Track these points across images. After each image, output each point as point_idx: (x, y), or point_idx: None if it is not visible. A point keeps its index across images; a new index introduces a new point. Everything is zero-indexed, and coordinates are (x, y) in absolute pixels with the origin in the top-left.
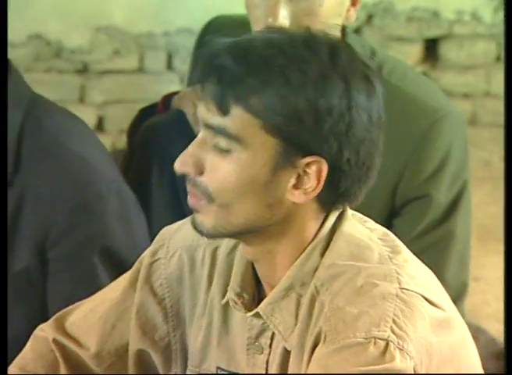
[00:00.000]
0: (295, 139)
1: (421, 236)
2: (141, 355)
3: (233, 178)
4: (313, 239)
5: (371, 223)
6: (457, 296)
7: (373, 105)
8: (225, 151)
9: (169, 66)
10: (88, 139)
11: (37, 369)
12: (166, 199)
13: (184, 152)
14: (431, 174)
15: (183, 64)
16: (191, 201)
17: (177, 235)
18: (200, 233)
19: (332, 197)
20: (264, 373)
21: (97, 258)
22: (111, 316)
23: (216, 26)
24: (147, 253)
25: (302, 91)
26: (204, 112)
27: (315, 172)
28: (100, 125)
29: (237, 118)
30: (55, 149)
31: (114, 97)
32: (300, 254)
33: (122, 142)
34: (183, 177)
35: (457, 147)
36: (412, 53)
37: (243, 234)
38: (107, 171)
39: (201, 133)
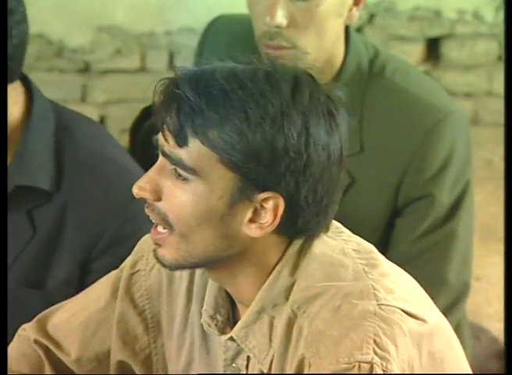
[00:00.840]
0: (252, 175)
1: (423, 236)
2: (122, 366)
3: (190, 208)
4: (279, 260)
5: (346, 233)
6: (459, 296)
7: (333, 143)
8: (182, 180)
9: (171, 65)
10: (116, 144)
11: (21, 368)
12: None
13: (143, 177)
14: (434, 174)
15: (185, 63)
16: (153, 234)
17: None
18: (163, 265)
19: (291, 230)
20: None
21: None
22: (92, 322)
23: (219, 26)
24: (127, 263)
25: (260, 128)
26: (162, 140)
27: (272, 207)
28: (102, 124)
29: (195, 150)
30: (94, 161)
31: (116, 96)
32: (266, 275)
33: (124, 142)
34: None
35: (460, 146)
36: (414, 52)
37: (203, 265)
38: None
39: (160, 159)
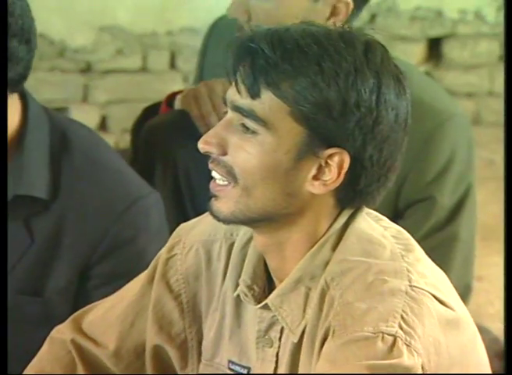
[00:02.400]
0: (321, 129)
1: (424, 238)
2: (158, 351)
3: (256, 161)
4: (325, 233)
5: (385, 221)
6: (460, 298)
7: (401, 105)
8: (250, 133)
9: (172, 65)
10: (110, 149)
11: (54, 370)
12: (169, 198)
13: (209, 132)
14: (435, 176)
15: (186, 63)
16: (213, 187)
17: (194, 231)
18: (217, 219)
19: (350, 194)
20: (274, 366)
21: (140, 272)
22: (129, 313)
23: (223, 25)
24: (163, 249)
25: (333, 82)
26: (233, 94)
27: (337, 164)
28: (103, 124)
29: (266, 102)
30: (91, 167)
31: (117, 96)
32: (311, 247)
33: (125, 141)
34: (186, 177)
35: (462, 149)
36: (415, 52)
37: (257, 222)
38: (140, 182)
39: (228, 115)
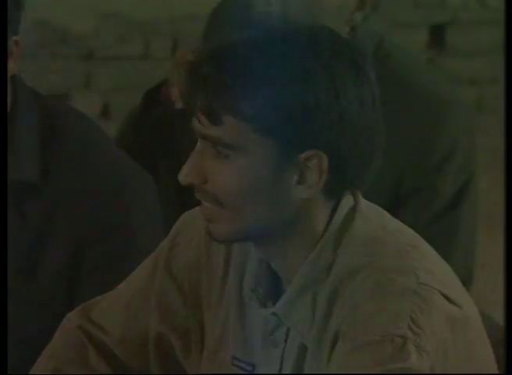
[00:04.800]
0: (289, 137)
1: (426, 226)
2: (161, 340)
3: (235, 183)
4: (323, 234)
5: (387, 215)
6: (463, 285)
7: (363, 91)
8: (224, 158)
9: (175, 52)
10: (101, 132)
11: (68, 355)
12: (175, 197)
13: (186, 164)
14: (436, 166)
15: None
16: (203, 211)
17: (196, 221)
18: (218, 241)
19: (339, 185)
20: (278, 366)
21: (132, 256)
22: (134, 303)
23: (227, 7)
24: (167, 239)
25: (287, 90)
26: (197, 124)
27: (316, 165)
28: (105, 111)
29: (229, 126)
30: (83, 152)
31: (119, 83)
32: (313, 248)
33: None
34: None
35: (464, 138)
36: (418, 39)
37: (258, 237)
38: (132, 164)
39: (199, 144)
